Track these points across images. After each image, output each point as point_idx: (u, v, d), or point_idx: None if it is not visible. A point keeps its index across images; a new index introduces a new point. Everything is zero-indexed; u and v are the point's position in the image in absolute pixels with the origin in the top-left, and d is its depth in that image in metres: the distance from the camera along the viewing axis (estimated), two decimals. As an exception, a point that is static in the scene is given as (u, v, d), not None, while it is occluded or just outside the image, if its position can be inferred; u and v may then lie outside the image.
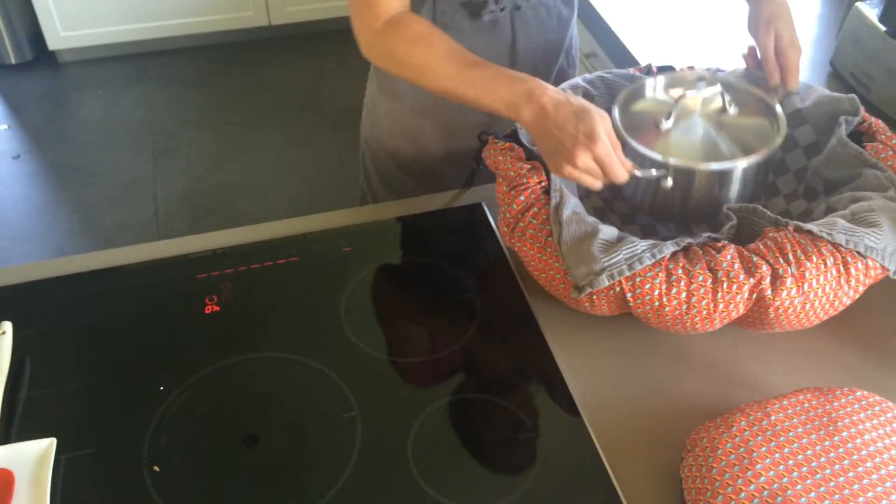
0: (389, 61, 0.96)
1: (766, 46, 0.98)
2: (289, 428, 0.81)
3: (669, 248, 0.80)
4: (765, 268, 0.77)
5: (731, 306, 0.79)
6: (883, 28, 1.23)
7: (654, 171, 0.88)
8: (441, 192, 1.11)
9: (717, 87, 0.95)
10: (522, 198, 0.88)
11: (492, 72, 0.89)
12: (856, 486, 0.66)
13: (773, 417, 0.72)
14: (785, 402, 0.74)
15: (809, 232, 0.80)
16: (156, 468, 0.77)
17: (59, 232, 2.42)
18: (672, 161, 0.88)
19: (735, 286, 0.77)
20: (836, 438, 0.70)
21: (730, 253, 0.79)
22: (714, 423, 0.74)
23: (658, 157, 0.88)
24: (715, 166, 0.89)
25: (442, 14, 1.05)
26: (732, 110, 0.95)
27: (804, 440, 0.70)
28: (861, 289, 0.81)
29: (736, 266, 0.78)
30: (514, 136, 0.96)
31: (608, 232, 0.83)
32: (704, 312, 0.79)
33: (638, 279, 0.79)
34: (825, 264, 0.78)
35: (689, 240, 0.82)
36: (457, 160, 1.17)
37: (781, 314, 0.79)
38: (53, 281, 0.96)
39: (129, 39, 3.06)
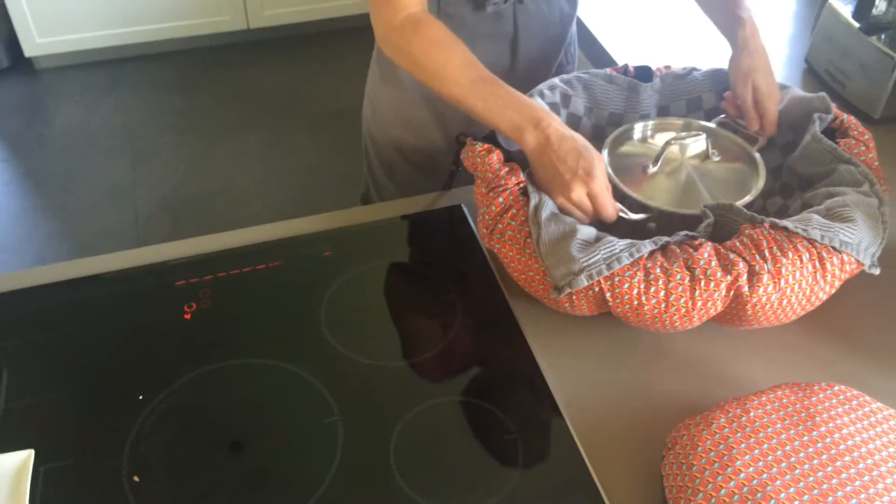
0: (406, 59, 0.98)
1: (744, 98, 1.00)
2: (270, 435, 0.80)
3: (647, 247, 0.80)
4: (741, 265, 0.78)
5: (709, 304, 0.79)
6: (856, 25, 1.24)
7: (640, 215, 0.90)
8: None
9: (702, 136, 0.98)
10: (501, 199, 0.88)
11: (504, 91, 0.91)
12: (834, 481, 0.67)
13: (752, 414, 0.73)
14: (763, 399, 0.75)
15: (785, 228, 0.81)
16: (136, 478, 0.76)
17: (38, 240, 2.40)
18: (657, 205, 0.91)
19: (712, 284, 0.78)
20: (815, 433, 0.71)
21: (707, 251, 0.80)
22: (694, 420, 0.75)
23: (647, 202, 0.91)
24: (698, 212, 0.90)
25: (447, 4, 1.07)
26: (715, 157, 0.98)
27: (783, 436, 0.71)
28: (837, 284, 0.82)
29: (713, 264, 0.78)
30: (491, 138, 0.96)
31: (586, 232, 0.83)
32: (683, 310, 0.79)
33: (617, 278, 0.79)
34: (801, 260, 0.78)
35: (667, 238, 0.82)
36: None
37: (759, 310, 0.80)
38: (30, 291, 0.95)
39: (107, 45, 3.04)
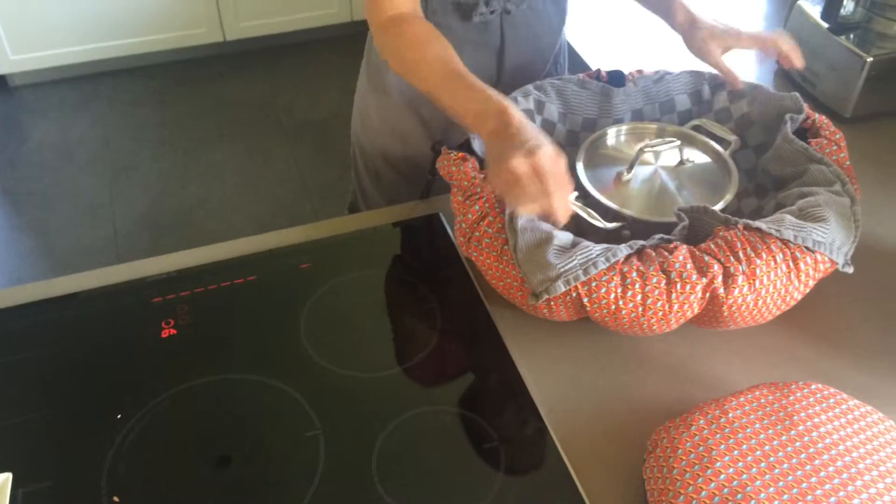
0: (390, 55, 0.99)
1: (717, 63, 1.03)
2: (251, 450, 0.80)
3: (623, 251, 0.81)
4: (716, 267, 0.79)
5: (686, 306, 0.79)
6: (825, 25, 1.25)
7: (615, 224, 0.90)
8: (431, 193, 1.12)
9: (676, 141, 0.99)
10: (477, 207, 0.88)
11: (474, 85, 0.89)
12: (813, 479, 0.67)
13: (730, 415, 0.73)
14: (742, 399, 0.75)
15: (758, 229, 0.81)
16: (116, 498, 0.75)
17: (16, 258, 2.38)
18: (631, 214, 0.91)
19: (688, 286, 0.78)
20: (793, 432, 0.71)
21: (682, 254, 0.80)
22: (674, 422, 0.75)
23: (623, 210, 0.92)
24: (672, 219, 0.90)
25: (433, 13, 1.07)
26: (689, 163, 0.99)
27: (762, 436, 0.71)
28: (811, 283, 0.83)
29: (689, 266, 0.79)
30: (466, 146, 0.97)
31: (563, 237, 0.83)
32: (660, 313, 0.80)
33: (594, 283, 0.79)
34: (775, 260, 0.79)
35: (642, 242, 0.83)
36: None
37: (735, 311, 0.80)
38: (7, 311, 0.94)
39: (82, 60, 3.02)
